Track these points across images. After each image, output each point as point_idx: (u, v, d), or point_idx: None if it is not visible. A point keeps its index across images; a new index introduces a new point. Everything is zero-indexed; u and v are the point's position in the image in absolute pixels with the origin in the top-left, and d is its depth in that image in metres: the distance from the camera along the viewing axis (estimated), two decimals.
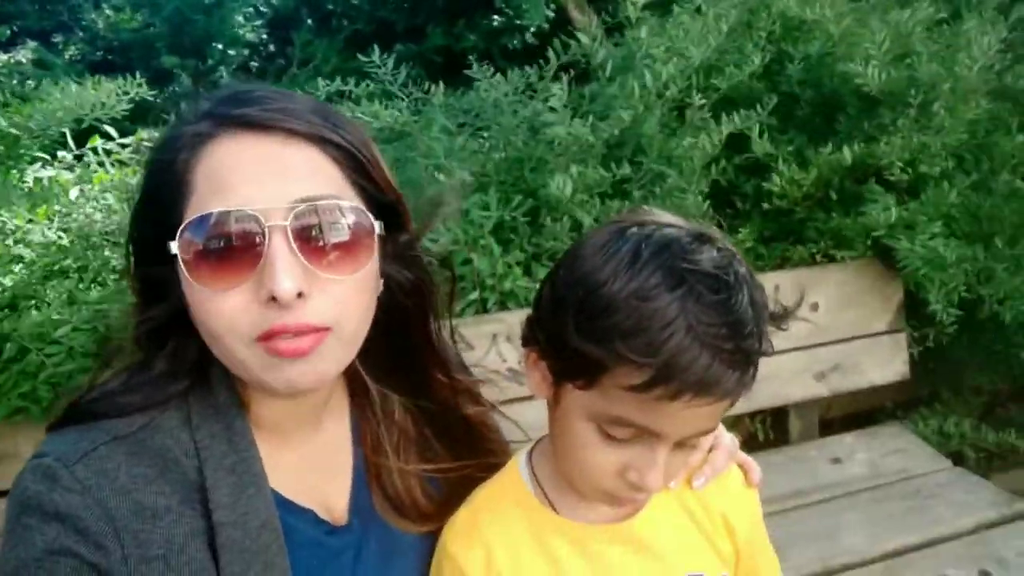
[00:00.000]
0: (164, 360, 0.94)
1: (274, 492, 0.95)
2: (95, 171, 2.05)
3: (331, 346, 0.89)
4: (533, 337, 0.96)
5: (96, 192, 1.91)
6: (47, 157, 2.00)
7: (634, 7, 2.42)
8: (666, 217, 0.92)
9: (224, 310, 0.85)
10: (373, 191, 0.94)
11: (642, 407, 0.84)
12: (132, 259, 0.95)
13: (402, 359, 1.09)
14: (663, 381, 0.81)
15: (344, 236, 0.88)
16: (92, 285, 1.63)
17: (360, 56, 2.31)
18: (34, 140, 1.82)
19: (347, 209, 0.89)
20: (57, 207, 1.84)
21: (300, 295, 0.84)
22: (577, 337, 0.86)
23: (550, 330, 0.91)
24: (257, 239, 0.84)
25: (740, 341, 0.83)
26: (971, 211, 2.30)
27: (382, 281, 0.99)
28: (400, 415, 1.11)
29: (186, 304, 0.90)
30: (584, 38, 2.39)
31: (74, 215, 1.82)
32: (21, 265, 1.65)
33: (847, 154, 2.22)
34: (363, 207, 0.91)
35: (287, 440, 1.00)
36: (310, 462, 1.03)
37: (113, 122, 1.99)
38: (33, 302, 1.57)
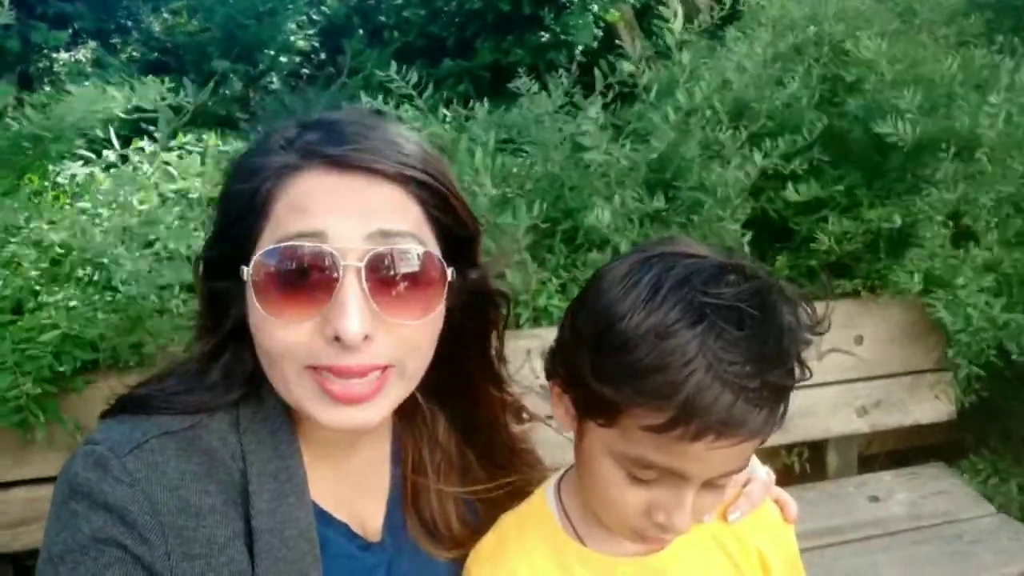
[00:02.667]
0: (219, 371, 0.95)
1: (313, 503, 0.95)
2: (136, 171, 2.05)
3: (391, 386, 0.90)
4: (555, 370, 0.94)
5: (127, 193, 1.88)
6: (92, 156, 2.03)
7: (671, 33, 2.40)
8: (693, 246, 0.89)
9: (287, 339, 0.86)
10: (452, 226, 0.95)
11: (664, 448, 0.81)
12: (203, 273, 0.97)
13: (457, 373, 1.09)
14: (683, 422, 0.78)
15: (415, 281, 0.88)
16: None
17: (378, 72, 2.30)
18: (59, 141, 1.83)
19: (422, 254, 0.89)
20: (86, 204, 1.82)
21: (366, 338, 0.84)
22: (594, 376, 0.84)
23: (569, 365, 0.89)
24: (330, 277, 0.84)
25: (766, 377, 0.79)
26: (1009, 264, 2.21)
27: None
28: (444, 435, 1.11)
29: (246, 321, 0.91)
30: (627, 64, 2.38)
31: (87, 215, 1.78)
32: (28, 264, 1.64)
33: (891, 211, 2.17)
34: (438, 251, 0.92)
35: (328, 455, 1.01)
36: (349, 478, 1.03)
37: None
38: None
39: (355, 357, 0.85)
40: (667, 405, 0.78)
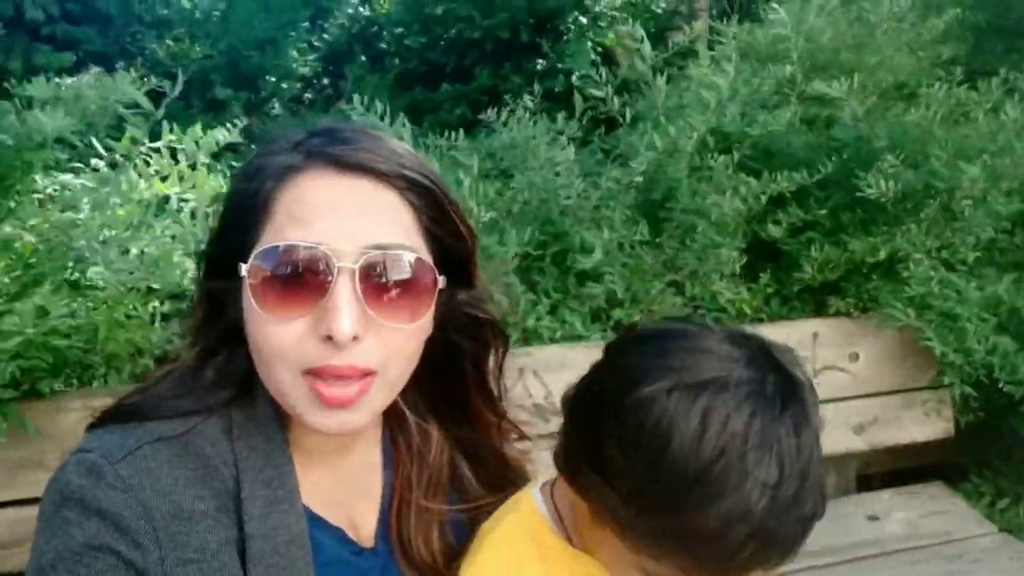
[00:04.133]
0: (214, 369, 0.96)
1: (305, 508, 0.96)
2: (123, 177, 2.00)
3: (375, 392, 0.91)
4: (571, 478, 0.94)
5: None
6: (81, 166, 2.02)
7: (643, 62, 2.44)
8: (724, 359, 0.86)
9: (280, 337, 0.87)
10: (446, 238, 0.96)
11: None
12: (202, 272, 0.98)
13: (454, 396, 1.10)
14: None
15: (407, 286, 0.90)
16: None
17: (344, 106, 2.28)
18: (40, 150, 1.81)
19: (414, 260, 0.91)
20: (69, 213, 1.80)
21: (355, 338, 0.86)
22: (640, 514, 0.85)
23: (596, 488, 0.89)
24: (325, 277, 0.86)
25: (803, 514, 0.83)
26: (1016, 304, 2.21)
27: (432, 326, 0.98)
28: (436, 454, 1.10)
29: (242, 322, 0.92)
30: (597, 91, 2.41)
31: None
32: None
33: (875, 244, 2.20)
34: (430, 259, 0.93)
35: (321, 459, 1.01)
36: (343, 482, 1.04)
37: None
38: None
39: (344, 358, 0.86)
40: (706, 561, 0.83)
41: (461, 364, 1.07)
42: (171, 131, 1.91)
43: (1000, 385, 2.14)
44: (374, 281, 0.87)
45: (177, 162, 1.92)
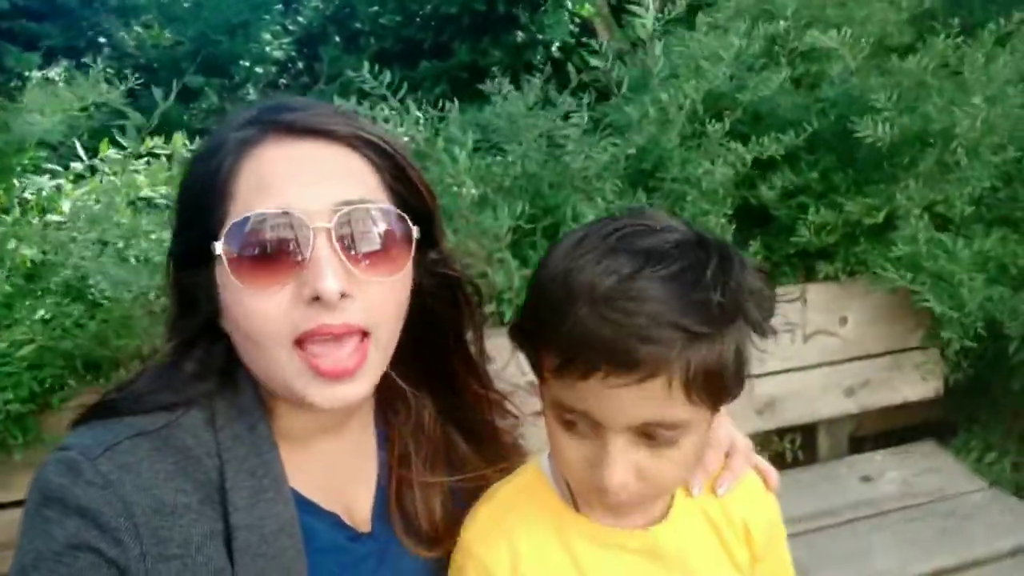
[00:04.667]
0: (193, 362, 0.94)
1: (297, 495, 0.95)
2: (104, 182, 1.99)
3: (371, 357, 0.90)
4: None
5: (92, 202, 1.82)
6: (59, 168, 2.00)
7: (644, 28, 2.40)
8: (656, 218, 0.87)
9: (266, 310, 0.86)
10: (409, 197, 0.96)
11: (570, 391, 0.82)
12: (171, 266, 0.97)
13: (436, 362, 1.09)
14: (570, 359, 0.80)
15: (383, 239, 0.90)
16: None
17: (351, 72, 2.29)
18: (20, 153, 1.81)
19: (386, 212, 0.92)
20: (56, 217, 1.79)
21: (343, 296, 0.86)
22: (520, 326, 0.89)
23: (515, 325, 0.93)
24: (302, 241, 0.86)
25: (668, 316, 0.76)
26: (1003, 260, 2.23)
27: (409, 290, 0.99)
28: (430, 423, 1.10)
29: (219, 310, 0.91)
30: (596, 60, 2.38)
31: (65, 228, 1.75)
32: None
33: (871, 204, 2.19)
34: (401, 211, 0.93)
35: (311, 444, 1.00)
36: (335, 466, 1.03)
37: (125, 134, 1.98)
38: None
39: (335, 316, 0.86)
40: (557, 344, 0.81)
41: (442, 332, 1.07)
42: (160, 137, 1.88)
43: (1003, 329, 2.15)
44: (350, 238, 0.88)
45: (167, 166, 1.89)
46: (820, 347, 2.30)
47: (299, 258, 0.85)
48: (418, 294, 1.00)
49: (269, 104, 0.95)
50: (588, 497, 0.95)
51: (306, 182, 0.87)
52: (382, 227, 0.90)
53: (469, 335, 1.10)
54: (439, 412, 1.11)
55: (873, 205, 2.20)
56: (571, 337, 0.79)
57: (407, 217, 0.93)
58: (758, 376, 2.21)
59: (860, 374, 2.33)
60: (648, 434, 0.83)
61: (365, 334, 0.89)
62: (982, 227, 2.28)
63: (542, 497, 1.00)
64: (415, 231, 0.94)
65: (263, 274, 0.86)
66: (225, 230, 0.87)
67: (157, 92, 1.86)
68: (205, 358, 0.94)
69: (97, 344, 1.58)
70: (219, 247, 0.87)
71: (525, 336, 0.89)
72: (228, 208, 0.88)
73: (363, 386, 0.91)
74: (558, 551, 0.96)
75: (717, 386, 0.82)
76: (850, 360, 2.33)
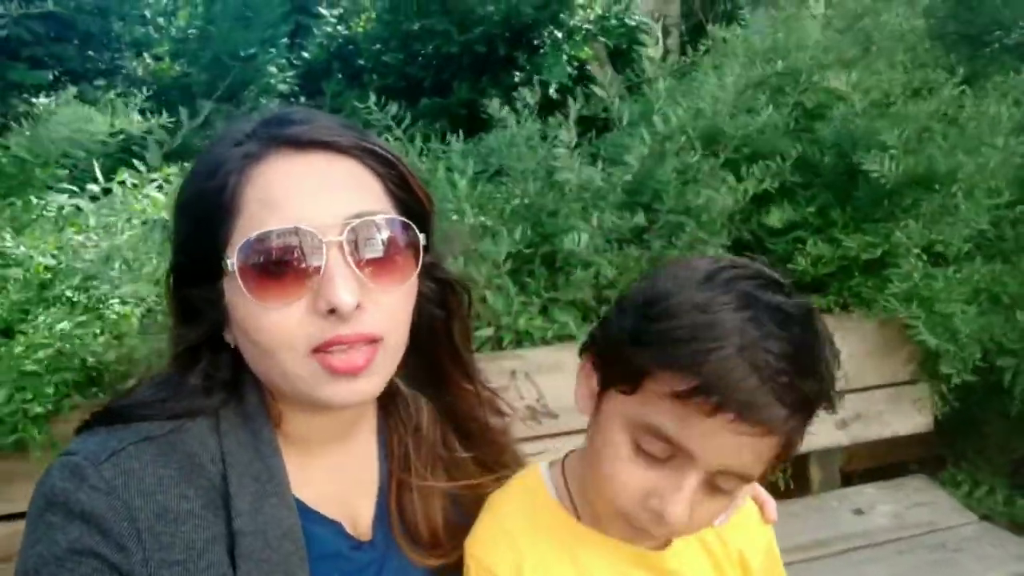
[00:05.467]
0: (198, 376, 0.95)
1: (300, 502, 0.95)
2: (121, 203, 2.05)
3: (381, 359, 0.92)
4: (591, 343, 0.97)
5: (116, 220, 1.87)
6: (75, 189, 2.04)
7: (651, 63, 2.50)
8: (772, 272, 0.90)
9: (281, 324, 0.87)
10: (411, 204, 0.97)
11: (681, 420, 0.82)
12: (172, 281, 0.97)
13: (429, 363, 1.11)
14: (705, 392, 0.79)
15: (392, 249, 0.92)
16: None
17: (357, 103, 2.36)
18: (45, 166, 1.85)
19: (395, 223, 0.93)
20: (79, 236, 1.83)
21: (358, 307, 0.87)
22: (631, 340, 0.86)
23: (608, 333, 0.92)
24: (314, 255, 0.87)
25: (796, 378, 0.80)
26: (993, 290, 2.29)
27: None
28: (429, 426, 1.11)
29: (223, 322, 0.92)
30: (600, 91, 2.47)
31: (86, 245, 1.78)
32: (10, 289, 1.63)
33: (870, 240, 2.25)
34: (407, 220, 0.95)
35: (315, 452, 1.01)
36: (338, 474, 1.03)
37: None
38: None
39: (351, 326, 0.87)
40: (693, 373, 0.79)
41: (434, 332, 1.07)
42: (176, 165, 1.93)
43: (996, 362, 2.20)
44: (362, 249, 0.89)
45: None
46: None
47: (313, 272, 0.86)
48: (417, 299, 1.01)
49: (268, 117, 0.95)
50: (609, 517, 0.95)
51: (315, 196, 0.88)
52: (390, 237, 0.92)
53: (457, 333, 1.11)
54: (436, 413, 1.12)
55: (872, 242, 2.26)
56: (717, 371, 0.79)
57: (413, 225, 0.95)
58: None
59: (852, 407, 2.36)
60: (720, 477, 0.86)
61: (376, 340, 0.90)
62: (975, 262, 2.34)
63: (544, 506, 1.01)
64: (422, 239, 0.96)
65: (277, 289, 0.87)
66: (237, 248, 0.87)
67: (184, 113, 1.92)
68: (211, 371, 0.95)
69: (107, 352, 1.60)
70: (231, 263, 0.87)
71: (628, 346, 0.87)
72: (235, 224, 0.89)
73: (373, 383, 0.93)
74: (560, 558, 0.97)
75: (787, 456, 0.87)
76: (842, 393, 2.36)
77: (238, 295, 0.89)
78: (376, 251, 0.90)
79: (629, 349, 0.86)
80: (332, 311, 0.86)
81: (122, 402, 0.96)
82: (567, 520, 1.00)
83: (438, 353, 1.10)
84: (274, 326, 0.88)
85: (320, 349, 0.88)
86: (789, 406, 0.80)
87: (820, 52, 2.60)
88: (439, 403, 1.12)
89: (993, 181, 2.28)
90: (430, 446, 1.10)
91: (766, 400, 0.79)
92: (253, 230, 0.87)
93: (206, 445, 0.92)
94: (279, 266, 0.87)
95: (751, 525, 1.07)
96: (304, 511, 0.95)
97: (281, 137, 0.91)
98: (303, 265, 0.87)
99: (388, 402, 1.10)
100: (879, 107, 2.49)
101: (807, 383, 0.81)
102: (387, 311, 0.91)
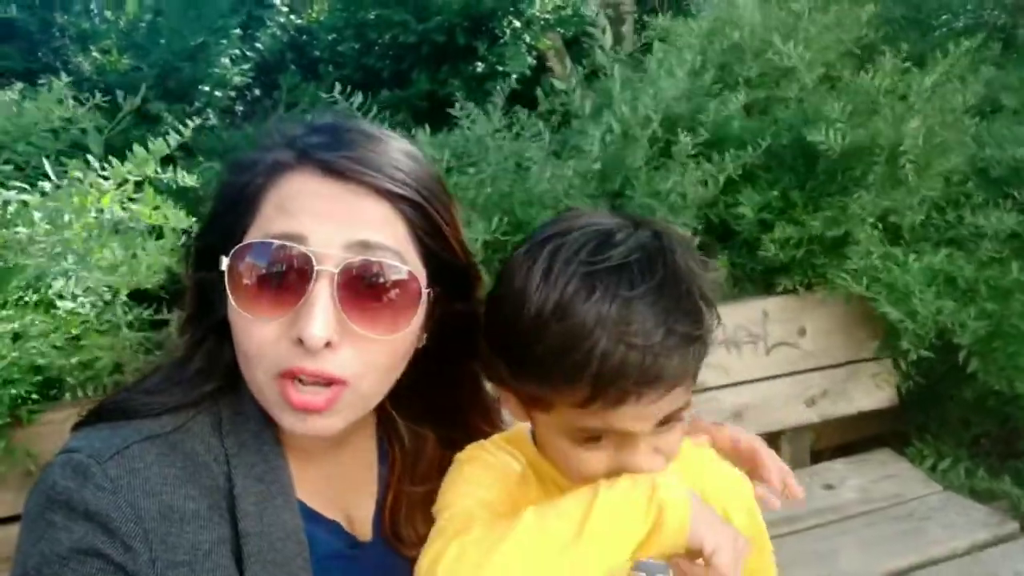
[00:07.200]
0: (202, 357, 0.94)
1: (300, 503, 0.94)
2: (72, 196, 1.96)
3: (346, 402, 0.88)
4: (488, 379, 0.96)
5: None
6: (25, 186, 1.97)
7: (603, 52, 2.51)
8: (590, 216, 0.89)
9: (257, 338, 0.86)
10: (440, 252, 0.94)
11: (598, 415, 0.82)
12: (192, 263, 0.96)
13: (444, 400, 1.08)
14: (601, 394, 0.79)
15: (389, 296, 0.88)
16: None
17: (323, 95, 2.32)
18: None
19: (399, 270, 0.88)
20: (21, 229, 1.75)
21: (328, 344, 0.84)
22: (514, 378, 0.86)
23: (493, 372, 0.91)
24: (303, 279, 0.84)
25: (670, 326, 0.80)
26: (950, 272, 2.35)
27: (425, 336, 0.96)
28: (430, 456, 1.08)
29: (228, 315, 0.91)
30: (560, 83, 2.48)
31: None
32: None
33: (830, 218, 2.30)
34: (418, 272, 0.91)
35: (312, 453, 0.99)
36: (338, 476, 1.02)
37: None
38: None
39: (316, 362, 0.84)
40: (584, 383, 0.79)
41: (457, 374, 1.05)
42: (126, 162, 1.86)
43: (953, 340, 2.26)
44: (354, 287, 0.85)
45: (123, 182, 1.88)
46: (782, 358, 2.38)
47: (296, 296, 0.84)
48: (438, 336, 0.98)
49: (318, 125, 0.93)
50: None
51: (325, 221, 0.86)
52: (391, 283, 0.88)
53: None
54: (439, 440, 1.09)
55: (831, 217, 2.30)
56: (601, 371, 0.78)
57: (422, 279, 0.91)
58: (724, 387, 2.30)
59: (819, 384, 2.42)
60: (664, 422, 0.86)
61: (339, 383, 0.86)
62: (930, 246, 2.41)
63: (526, 449, 0.98)
64: (426, 293, 0.91)
65: (259, 303, 0.86)
66: (233, 250, 0.86)
67: (120, 97, 1.85)
68: (212, 354, 0.94)
69: (63, 358, 1.55)
70: (225, 264, 0.86)
71: (514, 381, 0.86)
72: (247, 225, 0.88)
73: (336, 422, 0.89)
74: (537, 486, 0.96)
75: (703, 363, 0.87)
76: (809, 371, 2.42)
77: (229, 296, 0.87)
78: (368, 294, 0.86)
79: (517, 384, 0.86)
80: (301, 341, 0.83)
81: (122, 395, 0.94)
82: (550, 471, 0.98)
83: (457, 394, 1.08)
84: (252, 337, 0.86)
85: (284, 376, 0.85)
86: (679, 354, 0.81)
87: (760, 28, 2.64)
88: (449, 434, 1.08)
89: (943, 157, 2.34)
90: (430, 467, 1.07)
91: (656, 366, 0.79)
92: (258, 235, 0.86)
93: (209, 445, 0.91)
94: (265, 281, 0.85)
95: (732, 487, 1.09)
96: (303, 510, 0.94)
97: (315, 156, 0.88)
98: (288, 286, 0.85)
99: (387, 423, 1.08)
100: (827, 82, 2.54)
101: (683, 323, 0.81)
102: (364, 357, 0.87)
